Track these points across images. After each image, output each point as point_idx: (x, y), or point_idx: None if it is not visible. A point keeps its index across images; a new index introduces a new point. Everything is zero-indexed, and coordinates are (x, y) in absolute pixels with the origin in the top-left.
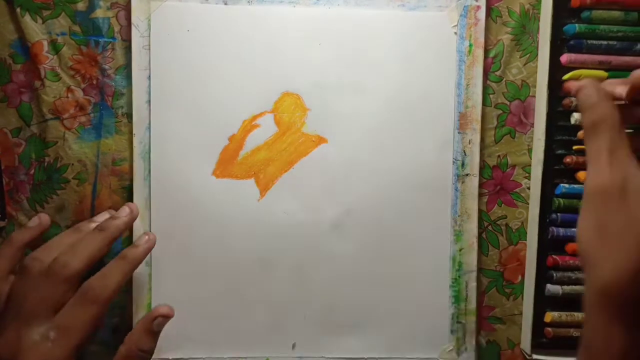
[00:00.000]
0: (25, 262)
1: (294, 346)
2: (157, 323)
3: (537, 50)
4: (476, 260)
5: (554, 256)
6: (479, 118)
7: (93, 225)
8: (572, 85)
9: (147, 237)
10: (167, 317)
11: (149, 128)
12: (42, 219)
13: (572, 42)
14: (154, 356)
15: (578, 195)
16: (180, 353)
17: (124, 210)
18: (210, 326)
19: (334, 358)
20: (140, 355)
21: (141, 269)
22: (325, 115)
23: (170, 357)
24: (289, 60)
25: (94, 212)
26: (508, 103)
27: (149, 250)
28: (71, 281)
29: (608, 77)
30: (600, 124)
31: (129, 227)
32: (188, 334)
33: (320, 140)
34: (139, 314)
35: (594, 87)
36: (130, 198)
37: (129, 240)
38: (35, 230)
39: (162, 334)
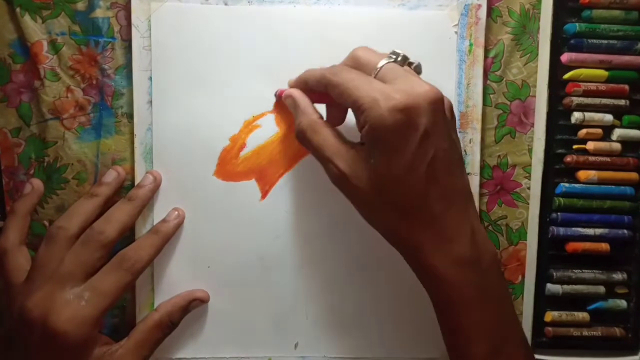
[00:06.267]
0: (50, 230)
1: (296, 346)
2: (193, 305)
3: (538, 50)
4: None
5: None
6: (480, 117)
7: (105, 188)
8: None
9: (176, 212)
10: (202, 302)
11: (151, 129)
12: (35, 183)
13: (572, 42)
14: (156, 356)
15: (578, 195)
16: (183, 352)
17: (148, 179)
18: (213, 326)
19: (336, 357)
20: (169, 326)
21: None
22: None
23: (173, 357)
24: (289, 60)
25: None
26: (508, 103)
27: (178, 225)
28: (106, 248)
29: (608, 77)
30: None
31: (154, 194)
32: (190, 334)
33: None
34: (141, 314)
35: (296, 97)
36: None
37: (130, 240)
38: (33, 197)
39: None
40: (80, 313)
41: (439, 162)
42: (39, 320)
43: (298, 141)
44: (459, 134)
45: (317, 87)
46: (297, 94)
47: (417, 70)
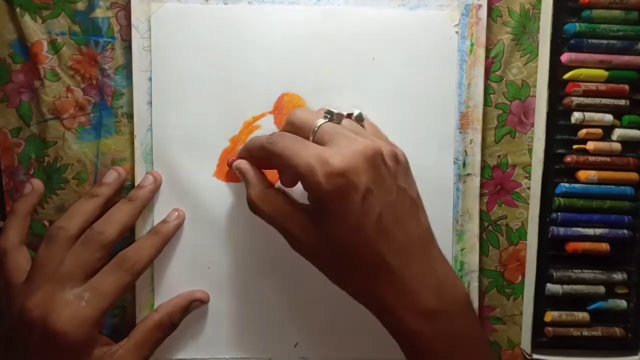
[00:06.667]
0: (51, 231)
1: (296, 346)
2: (194, 305)
3: (538, 50)
4: (478, 260)
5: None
6: (480, 118)
7: (105, 188)
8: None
9: (176, 213)
10: (203, 302)
11: (151, 129)
12: (35, 183)
13: (572, 42)
14: (156, 356)
15: (578, 195)
16: (183, 353)
17: (148, 179)
18: (213, 326)
19: (336, 358)
20: (169, 327)
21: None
22: None
23: (173, 358)
24: (289, 61)
25: None
26: (508, 103)
27: (179, 226)
28: (107, 249)
29: (608, 77)
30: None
31: (154, 194)
32: (190, 334)
33: None
34: (141, 314)
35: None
36: None
37: (130, 241)
38: (33, 197)
39: None
40: (80, 314)
41: (387, 217)
42: (39, 321)
43: (252, 212)
44: (459, 135)
45: (261, 156)
46: (244, 165)
47: (359, 119)
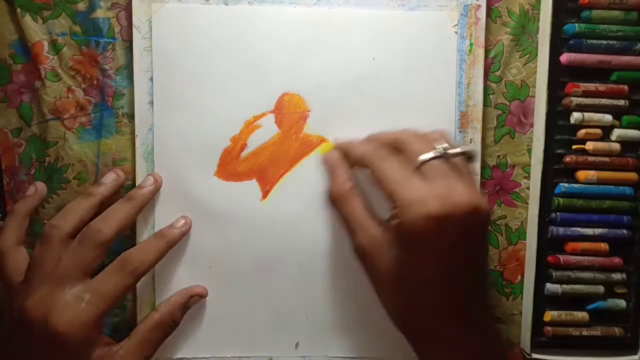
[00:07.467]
0: (45, 230)
1: (297, 345)
2: (193, 301)
3: (537, 50)
4: None
5: (556, 255)
6: (480, 117)
7: (102, 188)
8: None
9: (184, 220)
10: (202, 297)
11: (152, 129)
12: (38, 186)
13: (571, 42)
14: (156, 355)
15: (578, 195)
16: (183, 352)
17: (149, 180)
18: (213, 326)
19: (337, 357)
20: (171, 325)
21: None
22: (327, 115)
23: (174, 357)
24: (289, 61)
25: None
26: (508, 103)
27: (185, 233)
28: (104, 247)
29: (611, 77)
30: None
31: (154, 196)
32: (191, 334)
33: (322, 140)
34: (142, 314)
35: (333, 163)
36: None
37: (131, 241)
38: (34, 199)
39: None
40: (80, 315)
41: (460, 276)
42: (39, 320)
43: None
44: (459, 134)
45: (357, 163)
46: (335, 160)
47: (471, 156)
